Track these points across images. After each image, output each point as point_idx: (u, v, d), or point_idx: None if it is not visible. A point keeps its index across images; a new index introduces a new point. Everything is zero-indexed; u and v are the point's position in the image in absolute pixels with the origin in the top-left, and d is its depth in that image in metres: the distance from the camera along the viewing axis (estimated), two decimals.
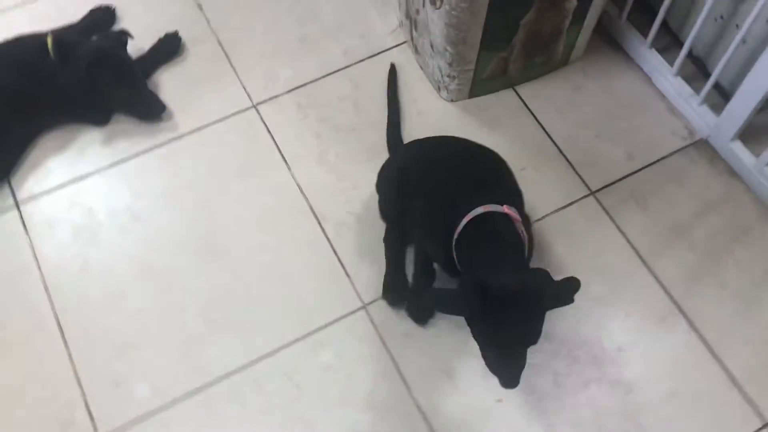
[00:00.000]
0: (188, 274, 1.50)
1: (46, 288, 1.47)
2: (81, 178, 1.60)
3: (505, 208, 1.20)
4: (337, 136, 1.66)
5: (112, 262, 1.51)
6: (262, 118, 1.68)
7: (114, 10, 1.78)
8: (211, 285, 1.49)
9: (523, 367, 1.14)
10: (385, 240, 1.51)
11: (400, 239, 1.49)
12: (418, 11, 1.60)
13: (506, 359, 1.14)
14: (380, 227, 1.50)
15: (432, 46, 1.61)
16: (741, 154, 1.59)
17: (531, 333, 1.12)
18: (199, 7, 1.82)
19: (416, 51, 1.75)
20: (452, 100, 1.71)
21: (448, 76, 1.64)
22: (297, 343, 1.42)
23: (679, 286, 1.48)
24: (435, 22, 1.53)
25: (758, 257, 1.52)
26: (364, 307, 1.46)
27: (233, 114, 1.69)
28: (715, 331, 1.44)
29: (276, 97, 1.71)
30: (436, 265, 1.42)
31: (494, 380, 1.15)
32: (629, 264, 1.51)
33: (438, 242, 1.27)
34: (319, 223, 1.55)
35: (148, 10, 1.81)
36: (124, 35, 1.65)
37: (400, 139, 1.62)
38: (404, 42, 1.78)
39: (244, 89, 1.72)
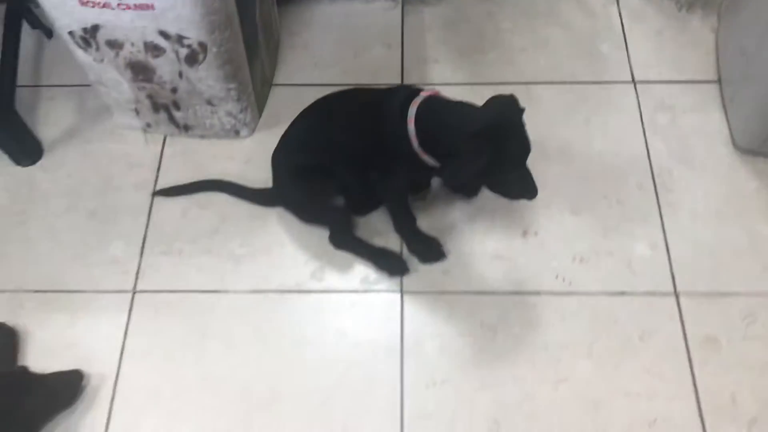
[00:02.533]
0: None
1: None
2: None
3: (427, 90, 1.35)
4: None
5: None
6: None
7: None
8: None
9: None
10: (337, 237, 1.55)
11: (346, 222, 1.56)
12: (174, 89, 1.58)
13: (528, 174, 1.33)
14: None
15: (210, 102, 1.62)
16: None
17: (528, 143, 1.31)
18: None
19: (185, 130, 1.72)
20: (253, 130, 1.75)
21: (240, 111, 1.66)
22: None
23: None
24: (203, 76, 1.54)
25: None
26: None
27: None
28: None
29: None
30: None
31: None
32: None
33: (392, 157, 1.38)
34: None
35: None
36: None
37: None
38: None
39: None
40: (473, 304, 1.51)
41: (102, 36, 1.44)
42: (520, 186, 1.34)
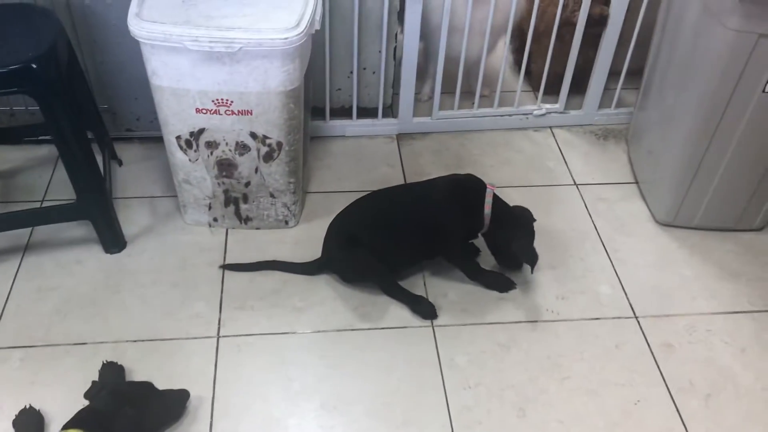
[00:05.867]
0: None
1: None
2: None
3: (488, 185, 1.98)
4: None
5: None
6: None
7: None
8: None
9: None
10: (389, 289, 2.00)
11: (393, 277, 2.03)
12: (248, 183, 2.07)
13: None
14: None
15: (272, 194, 2.11)
16: None
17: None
18: None
19: (245, 222, 2.18)
20: (298, 221, 2.23)
21: (294, 203, 2.16)
22: None
23: None
24: (273, 171, 2.04)
25: None
26: None
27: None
28: None
29: None
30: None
31: None
32: None
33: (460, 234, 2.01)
34: None
35: None
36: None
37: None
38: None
39: None
40: (488, 331, 1.96)
41: (204, 138, 1.95)
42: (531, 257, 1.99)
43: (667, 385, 1.85)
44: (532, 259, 1.97)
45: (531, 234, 2.02)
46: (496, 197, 1.98)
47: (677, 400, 1.82)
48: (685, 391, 1.84)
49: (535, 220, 2.04)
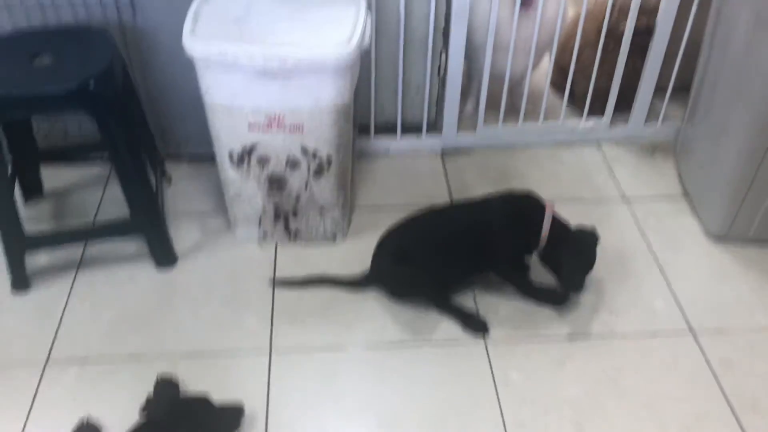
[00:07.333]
0: None
1: None
2: None
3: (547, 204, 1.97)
4: None
5: None
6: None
7: None
8: None
9: None
10: (439, 304, 1.99)
11: (445, 293, 2.01)
12: (298, 198, 2.08)
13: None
14: None
15: (321, 210, 2.12)
16: None
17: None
18: None
19: (294, 237, 2.19)
20: (345, 236, 2.23)
21: (342, 217, 2.16)
22: None
23: None
24: (323, 185, 2.05)
25: None
26: None
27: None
28: None
29: None
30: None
31: None
32: None
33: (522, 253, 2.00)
34: None
35: None
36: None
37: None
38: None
39: None
40: (542, 347, 1.93)
41: (255, 154, 1.97)
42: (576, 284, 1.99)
43: (728, 401, 1.81)
44: (577, 286, 1.96)
45: (588, 260, 1.99)
46: (555, 218, 1.95)
47: (740, 417, 1.77)
48: (748, 408, 1.79)
49: (597, 243, 2.00)
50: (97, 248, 2.18)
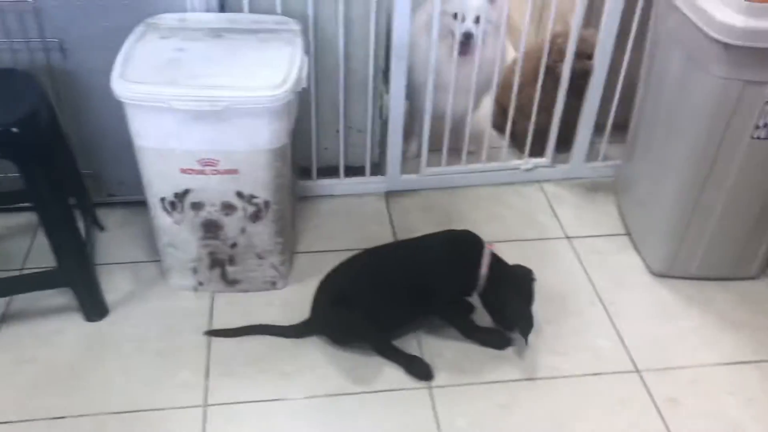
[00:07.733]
0: None
1: None
2: None
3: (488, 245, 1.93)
4: None
5: None
6: None
7: None
8: None
9: None
10: (382, 349, 1.93)
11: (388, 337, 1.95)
12: (234, 245, 2.01)
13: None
14: None
15: (260, 255, 2.05)
16: None
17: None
18: None
19: (232, 285, 2.11)
20: (286, 283, 2.17)
21: (282, 263, 2.10)
22: None
23: None
24: (260, 231, 1.99)
25: None
26: None
27: None
28: None
29: None
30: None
31: None
32: None
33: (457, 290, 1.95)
34: None
35: None
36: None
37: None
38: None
39: None
40: (488, 391, 1.88)
41: (189, 199, 1.91)
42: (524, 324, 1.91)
43: None
44: (526, 326, 1.90)
45: (528, 298, 1.95)
46: (494, 256, 1.93)
47: None
48: None
49: (534, 280, 1.98)
50: (23, 299, 2.07)
